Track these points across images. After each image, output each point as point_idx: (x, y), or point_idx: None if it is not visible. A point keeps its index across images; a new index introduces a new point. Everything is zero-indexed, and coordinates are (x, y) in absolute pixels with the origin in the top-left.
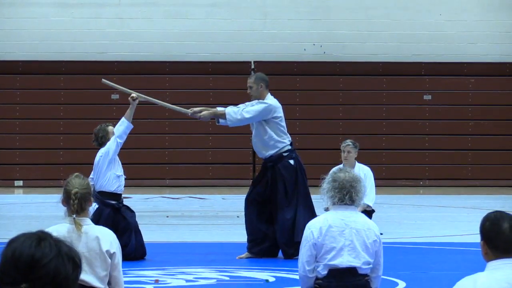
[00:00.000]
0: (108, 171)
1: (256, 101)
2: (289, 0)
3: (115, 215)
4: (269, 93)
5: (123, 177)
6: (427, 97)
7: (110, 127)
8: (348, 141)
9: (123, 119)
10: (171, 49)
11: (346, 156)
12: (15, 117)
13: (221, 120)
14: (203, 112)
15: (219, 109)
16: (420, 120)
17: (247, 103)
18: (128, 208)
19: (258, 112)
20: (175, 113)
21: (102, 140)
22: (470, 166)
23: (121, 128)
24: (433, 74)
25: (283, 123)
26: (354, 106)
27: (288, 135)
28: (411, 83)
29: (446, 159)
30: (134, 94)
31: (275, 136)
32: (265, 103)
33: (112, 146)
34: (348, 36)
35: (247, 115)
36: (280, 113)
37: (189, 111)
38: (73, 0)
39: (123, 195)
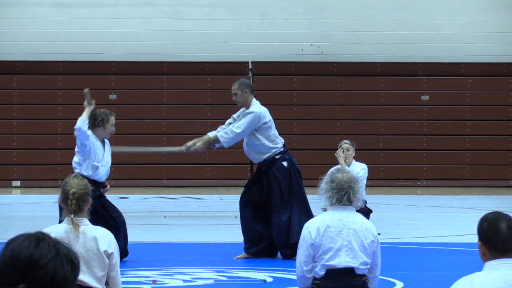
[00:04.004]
0: (83, 161)
1: (242, 110)
2: (286, 1)
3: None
4: (254, 98)
5: (105, 167)
6: (425, 97)
7: (113, 118)
8: (346, 140)
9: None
10: (168, 49)
11: (346, 154)
12: (12, 117)
13: (216, 144)
14: (197, 144)
15: (211, 135)
16: (418, 120)
17: (232, 121)
18: (114, 209)
19: (247, 123)
20: (172, 113)
21: (95, 122)
22: (467, 167)
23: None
24: (431, 74)
25: (273, 127)
26: (351, 106)
27: (280, 137)
28: (408, 83)
29: (443, 159)
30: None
31: (267, 143)
32: (251, 112)
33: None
34: (346, 37)
35: (238, 130)
36: (268, 117)
37: (183, 148)
38: (70, 0)
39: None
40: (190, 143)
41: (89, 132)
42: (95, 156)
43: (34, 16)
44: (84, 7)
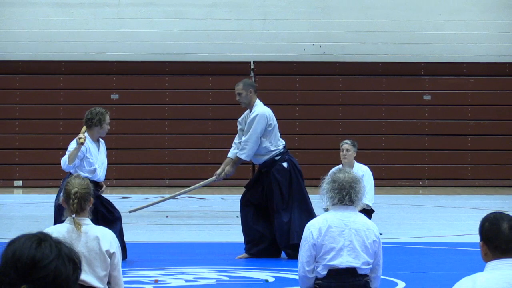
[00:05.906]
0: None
1: (247, 113)
2: (288, 0)
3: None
4: (257, 99)
5: (101, 168)
6: (427, 97)
7: (108, 116)
8: (347, 140)
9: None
10: (170, 49)
11: (345, 155)
12: (14, 117)
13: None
14: (226, 169)
15: (231, 156)
16: (420, 120)
17: (239, 125)
18: (112, 206)
19: (255, 127)
20: (174, 113)
21: (93, 122)
22: (469, 166)
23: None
24: (433, 74)
25: (277, 130)
26: (353, 106)
27: (282, 140)
28: (410, 83)
29: (445, 159)
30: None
31: (269, 145)
32: (254, 116)
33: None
34: (348, 36)
35: (252, 139)
36: (272, 119)
37: (215, 177)
38: (72, 0)
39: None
40: (219, 171)
41: (84, 147)
42: (89, 165)
43: (36, 16)
44: (86, 7)
